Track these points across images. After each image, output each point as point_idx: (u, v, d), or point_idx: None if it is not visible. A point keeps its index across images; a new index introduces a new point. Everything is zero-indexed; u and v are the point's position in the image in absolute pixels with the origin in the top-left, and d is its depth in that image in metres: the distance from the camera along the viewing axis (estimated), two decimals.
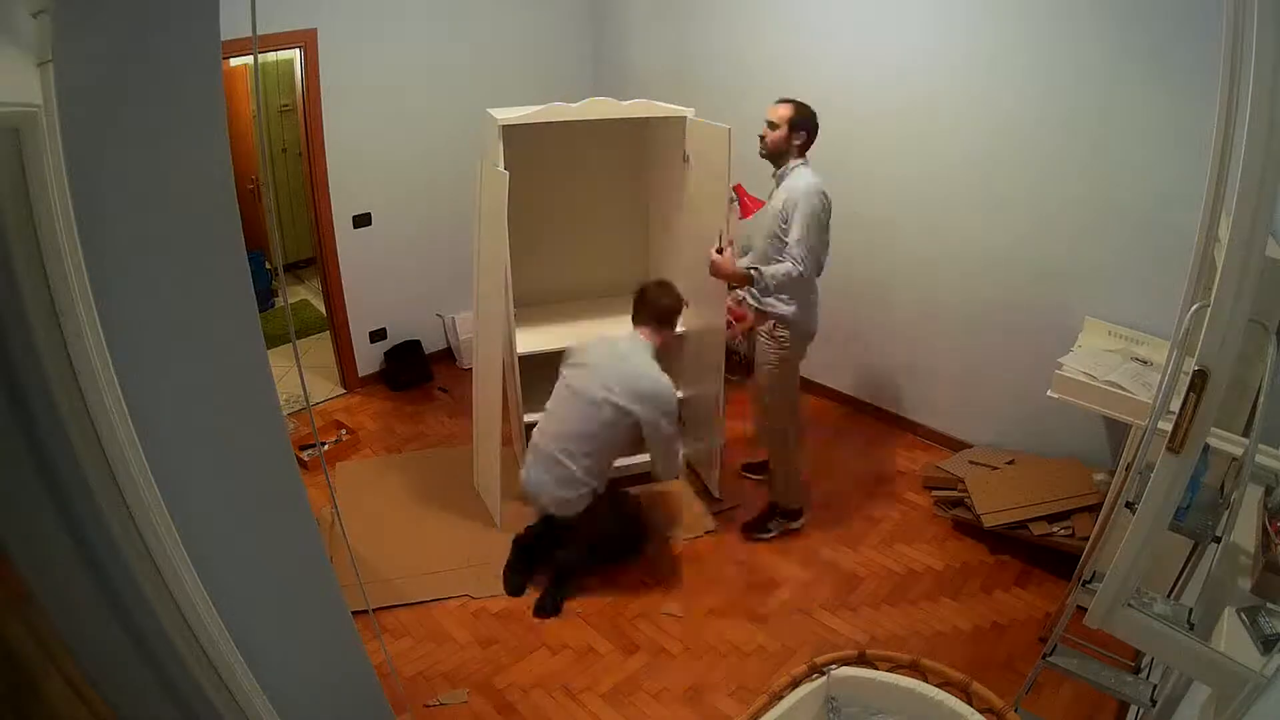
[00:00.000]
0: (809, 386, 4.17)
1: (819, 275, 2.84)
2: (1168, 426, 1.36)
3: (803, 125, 2.75)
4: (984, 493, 3.08)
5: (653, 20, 4.26)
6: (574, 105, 2.78)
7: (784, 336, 2.84)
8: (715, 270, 2.76)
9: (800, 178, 2.72)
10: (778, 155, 2.79)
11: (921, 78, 3.26)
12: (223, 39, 1.04)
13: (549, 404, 2.81)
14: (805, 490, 3.22)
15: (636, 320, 2.82)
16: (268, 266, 5.36)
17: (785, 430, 3.04)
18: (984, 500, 3.03)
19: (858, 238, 3.69)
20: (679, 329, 3.01)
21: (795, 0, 3.58)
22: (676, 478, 3.09)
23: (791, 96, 2.78)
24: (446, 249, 4.20)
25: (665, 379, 2.69)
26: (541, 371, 3.21)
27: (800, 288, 2.75)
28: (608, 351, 2.75)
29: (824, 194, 2.70)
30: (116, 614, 1.12)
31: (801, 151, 2.77)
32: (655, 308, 2.80)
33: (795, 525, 3.17)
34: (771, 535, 3.13)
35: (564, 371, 2.81)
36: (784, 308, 2.80)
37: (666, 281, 2.91)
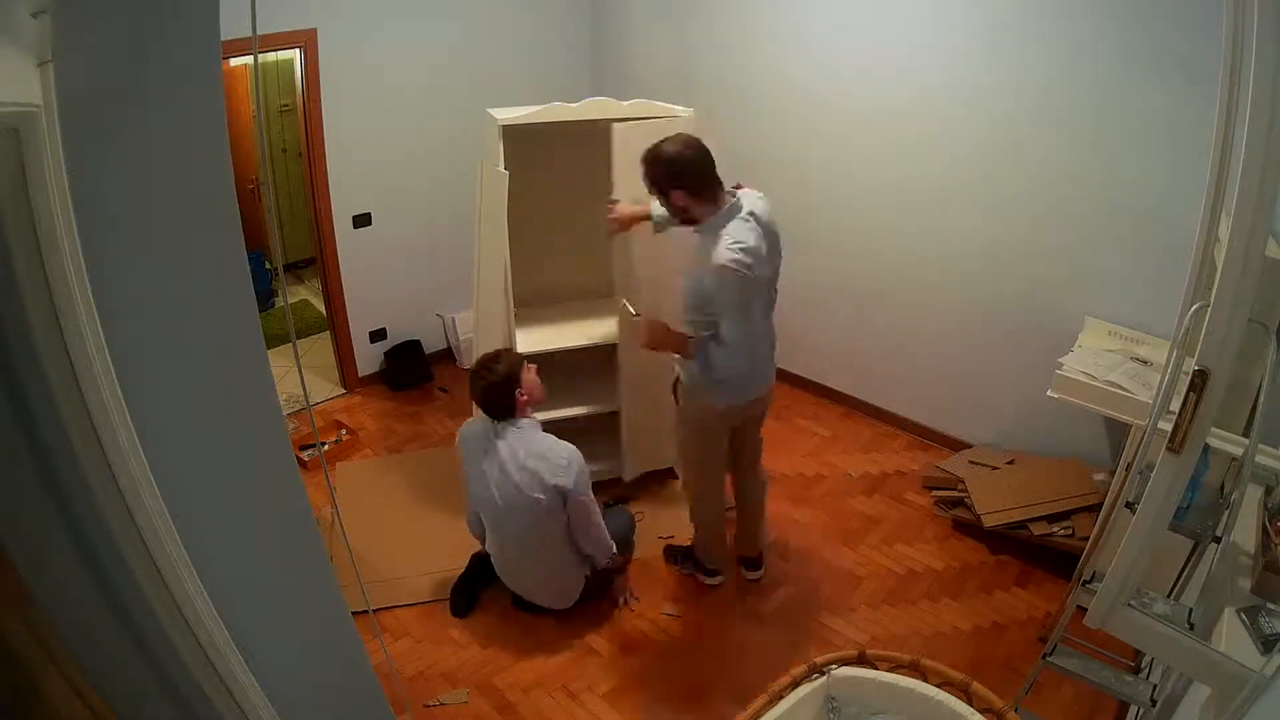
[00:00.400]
0: (807, 385, 4.17)
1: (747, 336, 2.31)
2: (1168, 426, 1.36)
3: (662, 182, 2.19)
4: (984, 493, 3.08)
5: (653, 20, 4.26)
6: (574, 105, 2.78)
7: (688, 392, 2.48)
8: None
9: (716, 240, 2.16)
10: (691, 220, 2.28)
11: (921, 77, 3.26)
12: (223, 39, 1.04)
13: (490, 530, 2.65)
14: (722, 553, 2.87)
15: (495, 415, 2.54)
16: (268, 266, 5.36)
17: (693, 485, 2.78)
18: (984, 500, 3.03)
19: (857, 238, 3.70)
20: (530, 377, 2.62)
21: (795, 0, 3.58)
22: (610, 558, 2.70)
23: (653, 144, 2.19)
24: (446, 249, 4.20)
25: (565, 447, 2.51)
26: (541, 371, 3.21)
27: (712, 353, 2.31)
28: (505, 453, 2.51)
29: (746, 265, 2.13)
30: (116, 614, 1.12)
31: (698, 201, 2.20)
32: (491, 397, 2.50)
33: (708, 581, 2.89)
34: (681, 571, 2.95)
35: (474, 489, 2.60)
36: (693, 366, 2.38)
37: (485, 360, 2.55)
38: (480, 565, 2.85)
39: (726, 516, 2.84)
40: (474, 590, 2.85)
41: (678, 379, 2.56)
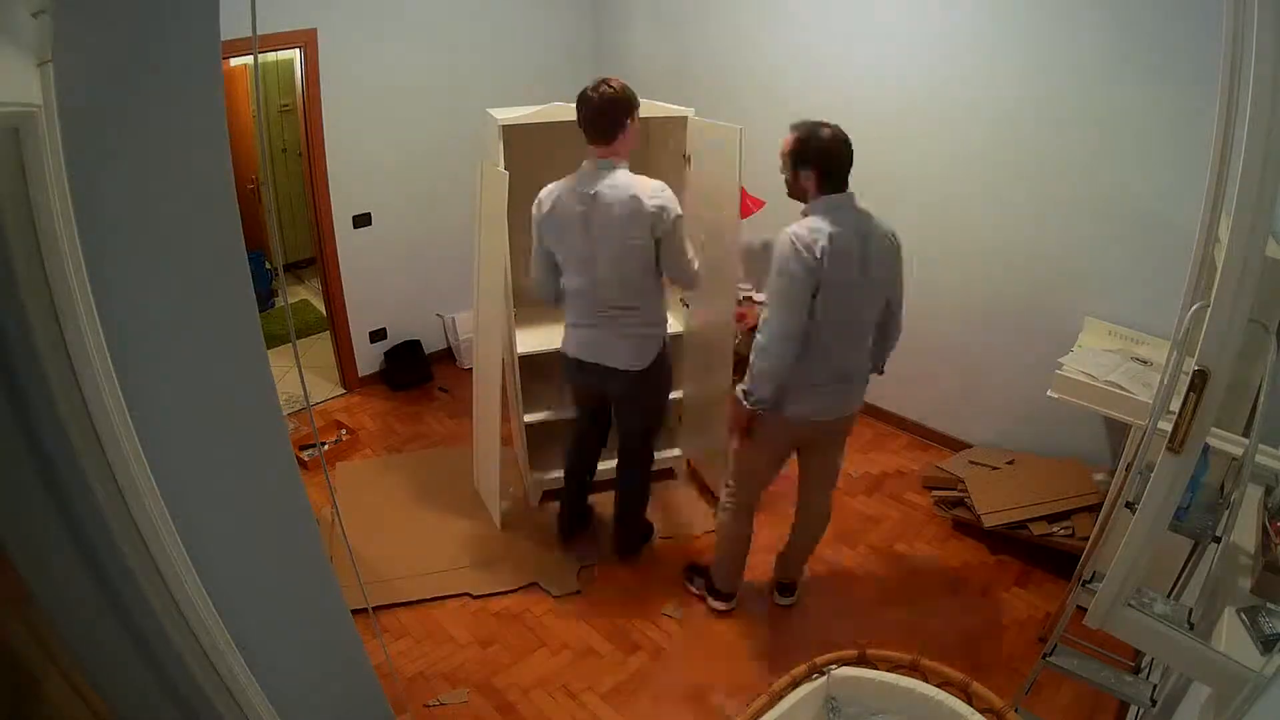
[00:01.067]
0: None
1: (818, 349, 2.19)
2: (1168, 426, 1.36)
3: (802, 158, 2.18)
4: (984, 493, 3.08)
5: (653, 20, 4.26)
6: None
7: (746, 398, 2.26)
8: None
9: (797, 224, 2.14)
10: (800, 199, 2.25)
11: (922, 77, 3.26)
12: (223, 39, 1.04)
13: (578, 282, 2.52)
14: (736, 578, 2.73)
15: (599, 140, 2.42)
16: (268, 266, 5.36)
17: (735, 495, 2.58)
18: (984, 500, 3.03)
19: None
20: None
21: (796, 1, 3.58)
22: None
23: (806, 120, 2.23)
24: (446, 249, 4.20)
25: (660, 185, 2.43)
26: (541, 371, 3.20)
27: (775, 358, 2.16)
28: (601, 189, 2.41)
29: (807, 245, 2.07)
30: (116, 614, 1.12)
31: (820, 189, 2.19)
32: (606, 111, 2.37)
33: (715, 604, 2.76)
34: (692, 590, 2.84)
35: (548, 226, 2.50)
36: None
37: (601, 80, 2.40)
38: (578, 486, 2.90)
39: (751, 542, 2.69)
40: (582, 511, 2.90)
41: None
